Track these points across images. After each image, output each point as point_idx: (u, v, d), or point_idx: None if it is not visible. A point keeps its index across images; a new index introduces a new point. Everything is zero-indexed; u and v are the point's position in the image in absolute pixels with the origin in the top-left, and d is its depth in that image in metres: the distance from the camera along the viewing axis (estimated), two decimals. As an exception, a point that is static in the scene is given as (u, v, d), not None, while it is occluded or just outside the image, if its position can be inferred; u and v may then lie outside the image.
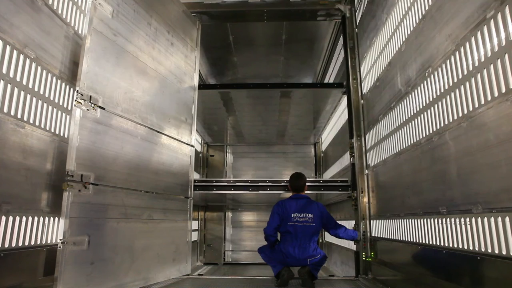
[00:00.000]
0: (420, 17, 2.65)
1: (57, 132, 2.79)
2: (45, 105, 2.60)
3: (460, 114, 2.10)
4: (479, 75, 1.92)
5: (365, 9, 4.08)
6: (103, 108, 2.88)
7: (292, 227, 3.53)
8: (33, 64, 2.45)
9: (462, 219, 2.08)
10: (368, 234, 3.96)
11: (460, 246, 2.10)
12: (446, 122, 2.26)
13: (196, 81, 4.53)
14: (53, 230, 2.72)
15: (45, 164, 2.66)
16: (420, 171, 2.67)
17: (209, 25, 4.92)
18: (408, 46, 2.89)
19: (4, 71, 2.15)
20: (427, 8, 2.55)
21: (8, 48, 2.19)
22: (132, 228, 3.14)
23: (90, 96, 2.73)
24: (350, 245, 4.89)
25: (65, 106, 2.86)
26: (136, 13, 3.45)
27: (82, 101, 2.64)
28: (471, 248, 2.00)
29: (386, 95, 3.41)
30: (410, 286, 2.77)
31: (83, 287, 2.54)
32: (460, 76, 2.11)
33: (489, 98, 1.84)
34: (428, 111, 2.51)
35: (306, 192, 3.91)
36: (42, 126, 2.62)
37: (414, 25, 2.75)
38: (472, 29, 1.98)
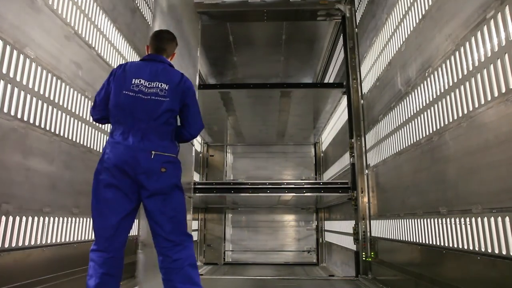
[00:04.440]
0: (420, 17, 2.65)
1: (57, 132, 2.78)
2: (45, 105, 2.59)
3: (460, 114, 2.10)
4: (479, 75, 1.92)
5: (365, 9, 4.08)
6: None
7: (127, 98, 2.09)
8: (33, 64, 2.45)
9: (462, 219, 2.08)
10: (368, 234, 3.96)
11: (460, 246, 2.10)
12: (446, 122, 2.26)
13: (196, 81, 4.53)
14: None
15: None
16: (420, 171, 2.67)
17: (209, 25, 4.93)
18: (408, 46, 2.89)
19: (4, 71, 2.15)
20: (427, 8, 2.55)
21: (8, 48, 2.19)
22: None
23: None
24: (350, 245, 4.89)
25: (65, 106, 2.86)
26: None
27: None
28: (471, 248, 2.00)
29: (386, 95, 3.41)
30: (410, 286, 2.77)
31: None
32: (460, 76, 2.11)
33: (489, 98, 1.84)
34: (428, 111, 2.51)
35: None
36: (42, 126, 2.61)
37: (414, 25, 2.75)
38: (472, 29, 1.98)
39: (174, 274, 1.95)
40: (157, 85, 2.11)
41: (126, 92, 2.08)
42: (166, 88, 2.12)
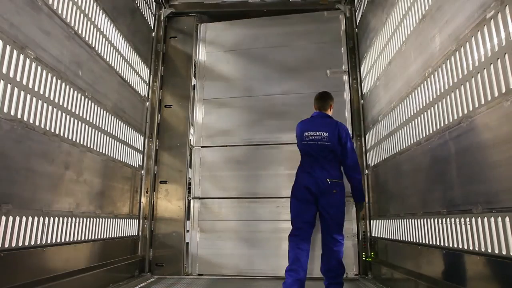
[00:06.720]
0: (420, 17, 2.65)
1: (57, 132, 2.78)
2: (45, 105, 2.59)
3: (460, 114, 2.10)
4: (479, 75, 1.92)
5: (365, 9, 4.08)
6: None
7: (304, 145, 3.26)
8: (33, 64, 2.45)
9: (462, 219, 2.08)
10: (368, 234, 3.96)
11: (460, 246, 2.10)
12: (446, 122, 2.25)
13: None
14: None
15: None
16: (420, 171, 2.67)
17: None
18: (408, 46, 2.88)
19: (4, 71, 2.15)
20: (427, 8, 2.55)
21: (8, 48, 2.18)
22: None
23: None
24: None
25: (65, 106, 2.86)
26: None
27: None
28: (471, 248, 2.00)
29: (386, 95, 3.41)
30: (410, 286, 2.77)
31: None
32: (460, 76, 2.11)
33: (489, 98, 1.84)
34: (428, 111, 2.51)
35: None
36: (42, 126, 2.61)
37: (414, 25, 2.75)
38: (472, 29, 1.98)
39: (329, 255, 3.15)
40: (320, 134, 3.20)
41: (303, 142, 3.26)
42: (327, 135, 3.18)
